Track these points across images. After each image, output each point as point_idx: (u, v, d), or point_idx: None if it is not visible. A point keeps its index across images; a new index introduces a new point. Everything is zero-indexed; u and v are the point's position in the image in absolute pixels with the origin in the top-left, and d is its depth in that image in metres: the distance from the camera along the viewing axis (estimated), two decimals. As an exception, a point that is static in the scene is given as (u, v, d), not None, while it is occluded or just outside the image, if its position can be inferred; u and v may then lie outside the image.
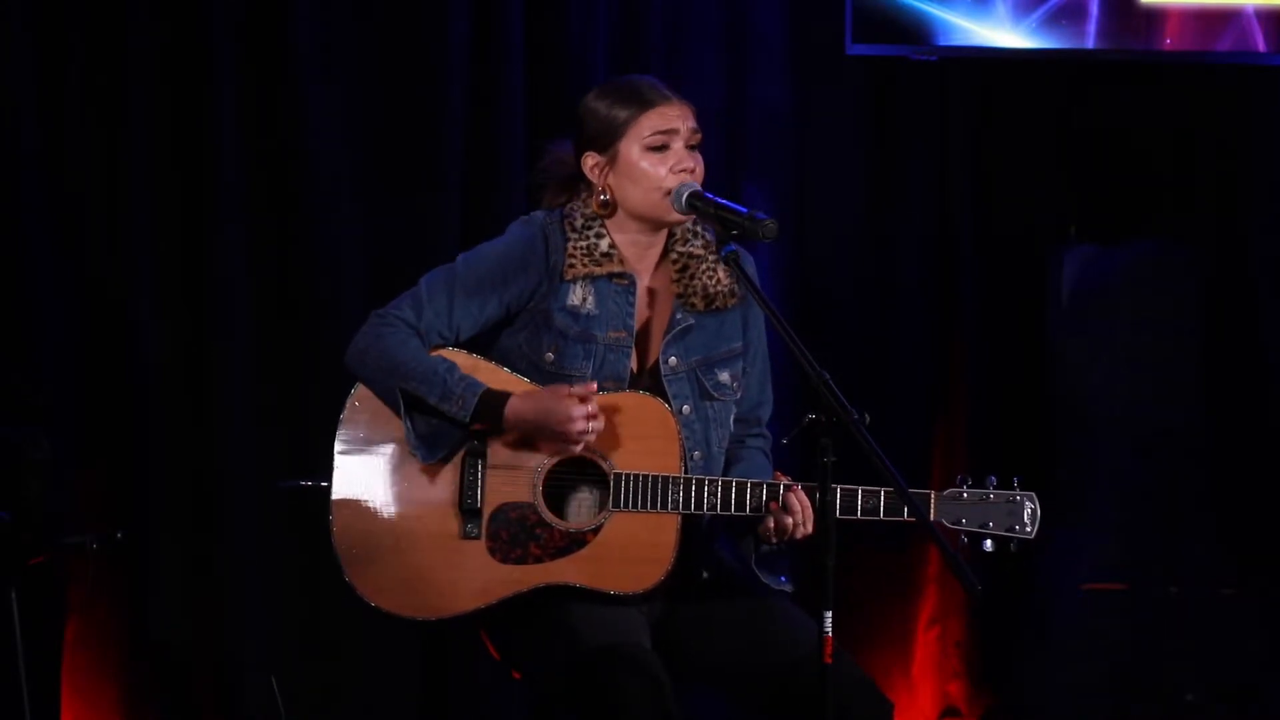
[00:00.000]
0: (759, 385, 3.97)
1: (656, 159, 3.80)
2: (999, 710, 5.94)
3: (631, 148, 3.80)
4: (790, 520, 3.69)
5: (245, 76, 5.46)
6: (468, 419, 3.71)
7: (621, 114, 3.80)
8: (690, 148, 3.82)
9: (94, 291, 5.38)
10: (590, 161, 3.83)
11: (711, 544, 3.88)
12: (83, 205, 5.38)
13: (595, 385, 3.72)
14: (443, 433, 3.74)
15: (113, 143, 5.40)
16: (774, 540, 3.72)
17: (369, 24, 5.56)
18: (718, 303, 3.87)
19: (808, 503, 3.69)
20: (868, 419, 3.35)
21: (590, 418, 3.68)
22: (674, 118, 3.81)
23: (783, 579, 3.83)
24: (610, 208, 3.84)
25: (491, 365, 3.80)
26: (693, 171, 3.80)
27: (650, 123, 3.80)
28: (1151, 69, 6.00)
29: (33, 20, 5.31)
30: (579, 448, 3.71)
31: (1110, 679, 5.75)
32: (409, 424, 3.73)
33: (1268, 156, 5.99)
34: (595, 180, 3.84)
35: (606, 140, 3.81)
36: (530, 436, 3.74)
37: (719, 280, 3.86)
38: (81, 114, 5.37)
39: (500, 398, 3.72)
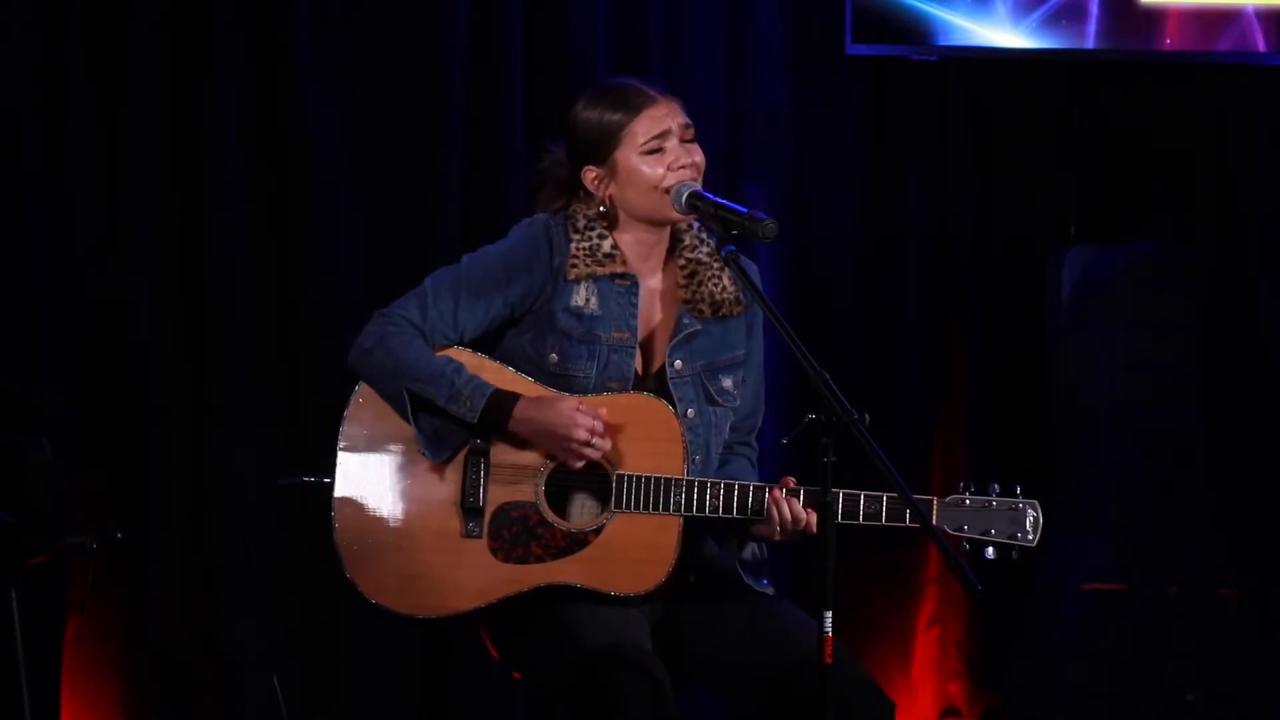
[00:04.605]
0: (753, 395, 3.97)
1: (655, 160, 3.81)
2: (999, 710, 5.94)
3: (629, 156, 3.81)
4: (796, 522, 3.70)
5: (245, 76, 5.46)
6: (475, 420, 3.71)
7: (612, 124, 3.81)
8: (685, 142, 3.83)
9: (94, 291, 5.38)
10: (590, 175, 3.84)
11: (700, 547, 3.88)
12: (83, 205, 5.38)
13: (605, 410, 3.72)
14: (448, 432, 3.74)
15: (113, 143, 5.40)
16: (778, 539, 3.72)
17: (369, 24, 5.56)
18: (724, 310, 3.87)
19: (812, 513, 3.69)
20: (868, 419, 3.35)
21: (594, 433, 3.68)
22: (663, 118, 3.82)
23: (764, 581, 3.84)
24: (610, 217, 3.84)
25: (497, 365, 3.80)
26: (693, 165, 3.81)
27: (643, 128, 3.81)
28: (1151, 69, 6.00)
29: (33, 21, 5.31)
30: (579, 462, 3.71)
31: (1110, 679, 5.75)
32: (415, 425, 3.73)
33: (1268, 156, 5.98)
34: (596, 192, 3.84)
35: (603, 152, 3.82)
36: (534, 441, 3.74)
37: (725, 288, 3.87)
38: (81, 114, 5.37)
39: (509, 399, 3.72)
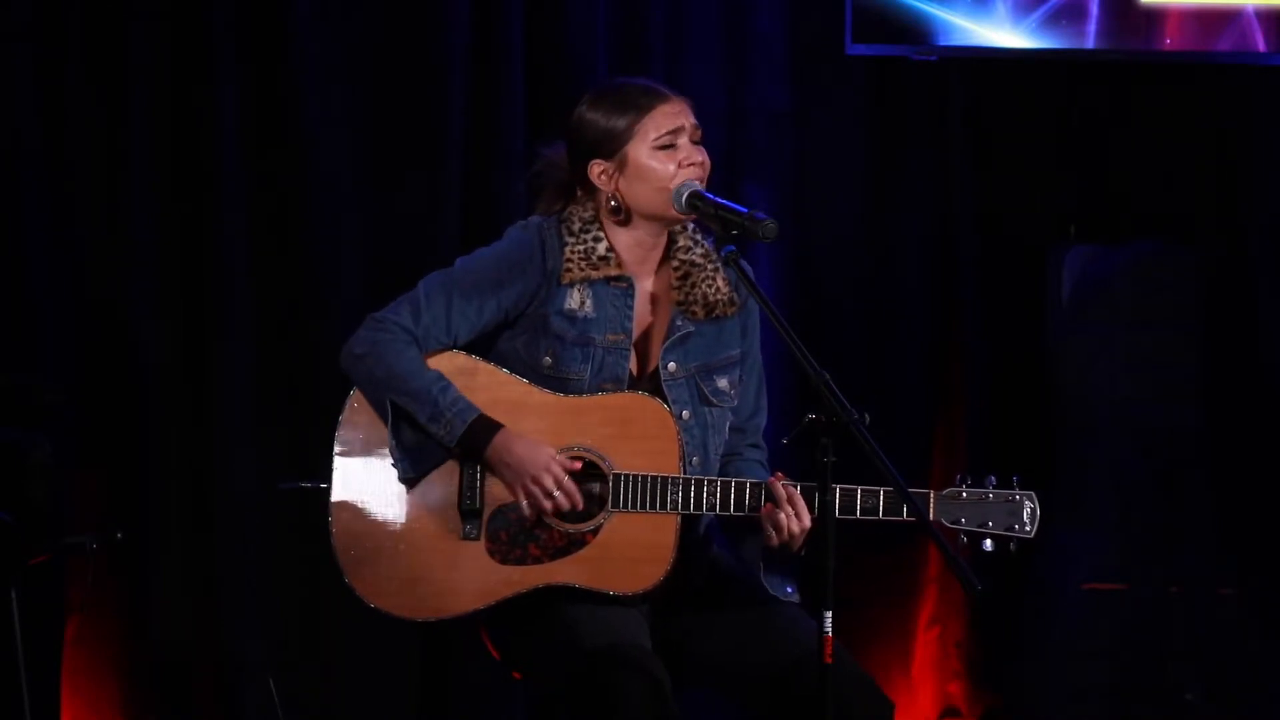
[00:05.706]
0: (754, 396, 3.96)
1: (666, 156, 3.80)
2: (999, 710, 5.94)
3: (641, 150, 3.80)
4: (783, 515, 3.68)
5: (245, 76, 5.47)
6: (453, 444, 3.70)
7: (625, 119, 3.80)
8: (695, 143, 3.83)
9: (94, 291, 5.39)
10: (598, 169, 3.83)
11: (706, 550, 3.88)
12: (83, 205, 5.38)
13: (579, 465, 3.71)
14: (430, 449, 3.73)
15: (113, 143, 5.41)
16: (775, 543, 3.71)
17: (369, 24, 5.56)
18: (718, 311, 3.87)
19: (795, 493, 3.68)
20: (868, 419, 3.35)
21: (559, 485, 3.68)
22: (677, 115, 3.82)
23: (789, 589, 3.80)
24: (621, 212, 3.83)
25: (491, 367, 3.80)
26: (701, 165, 3.80)
27: (657, 123, 3.80)
28: (1151, 69, 6.00)
29: (33, 22, 5.31)
30: (533, 508, 3.69)
31: (1110, 679, 5.75)
32: (394, 436, 3.73)
33: (1268, 156, 5.99)
34: (604, 187, 3.82)
35: (613, 147, 3.81)
36: (502, 474, 3.72)
37: (719, 289, 3.86)
38: (81, 114, 5.37)
39: (490, 429, 3.71)
